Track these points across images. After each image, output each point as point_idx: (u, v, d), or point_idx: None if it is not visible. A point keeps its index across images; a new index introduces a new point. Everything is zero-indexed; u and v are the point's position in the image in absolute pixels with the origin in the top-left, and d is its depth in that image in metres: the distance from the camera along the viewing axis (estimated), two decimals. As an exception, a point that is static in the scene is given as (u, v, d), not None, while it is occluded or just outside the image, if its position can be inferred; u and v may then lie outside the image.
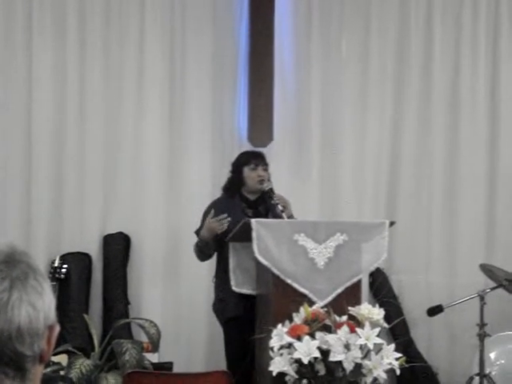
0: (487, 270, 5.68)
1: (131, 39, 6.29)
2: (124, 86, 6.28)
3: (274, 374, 4.17)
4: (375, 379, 4.25)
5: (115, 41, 6.28)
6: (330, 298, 4.57)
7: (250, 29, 6.30)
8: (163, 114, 6.30)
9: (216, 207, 5.15)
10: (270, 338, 4.24)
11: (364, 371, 4.22)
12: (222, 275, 5.00)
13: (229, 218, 4.92)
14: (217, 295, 5.22)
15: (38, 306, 1.34)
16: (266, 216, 5.10)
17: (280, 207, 5.00)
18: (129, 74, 6.28)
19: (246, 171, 5.22)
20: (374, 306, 4.50)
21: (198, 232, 5.21)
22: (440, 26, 6.55)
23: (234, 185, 5.27)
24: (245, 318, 4.91)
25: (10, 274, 1.34)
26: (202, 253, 5.17)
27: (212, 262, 5.60)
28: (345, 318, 4.32)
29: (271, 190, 5.13)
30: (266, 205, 5.15)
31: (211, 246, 5.08)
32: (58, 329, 1.39)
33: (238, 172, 5.26)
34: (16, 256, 1.37)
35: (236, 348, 5.05)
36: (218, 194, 5.93)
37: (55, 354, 4.95)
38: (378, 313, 4.38)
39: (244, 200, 5.24)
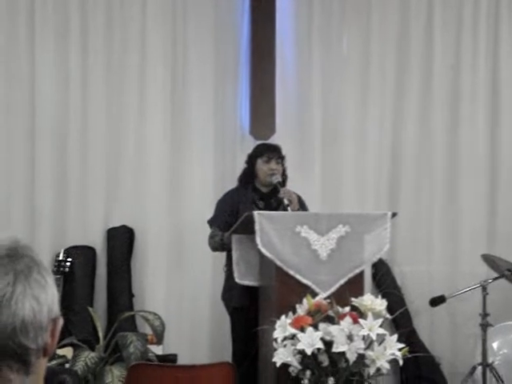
0: (489, 260, 5.70)
1: (133, 37, 6.30)
2: (126, 81, 6.30)
3: (278, 365, 4.19)
4: (378, 369, 4.27)
5: (117, 39, 6.29)
6: (332, 289, 4.58)
7: (251, 24, 6.33)
8: (165, 109, 6.31)
9: (228, 197, 5.30)
10: (274, 329, 4.26)
11: (367, 362, 4.24)
12: (231, 265, 5.03)
13: None
14: (225, 284, 5.29)
15: (42, 299, 1.35)
16: (276, 209, 5.13)
17: (286, 201, 5.03)
18: (131, 70, 6.30)
19: (259, 163, 5.30)
20: (376, 296, 4.51)
21: (211, 221, 5.28)
22: (441, 23, 6.58)
23: (248, 176, 5.36)
24: (251, 308, 4.94)
25: (13, 267, 1.34)
26: (223, 248, 5.16)
27: (215, 254, 5.64)
28: (348, 309, 4.34)
29: (279, 183, 5.18)
30: (277, 198, 5.19)
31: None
32: (61, 322, 1.40)
33: (251, 163, 5.36)
34: (19, 250, 1.37)
35: (241, 337, 5.10)
36: (221, 187, 5.98)
37: (60, 347, 4.97)
38: (380, 303, 4.40)
39: (257, 192, 5.29)
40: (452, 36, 6.59)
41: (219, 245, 5.17)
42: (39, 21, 6.19)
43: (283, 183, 5.32)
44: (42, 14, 6.19)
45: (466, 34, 6.59)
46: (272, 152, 5.31)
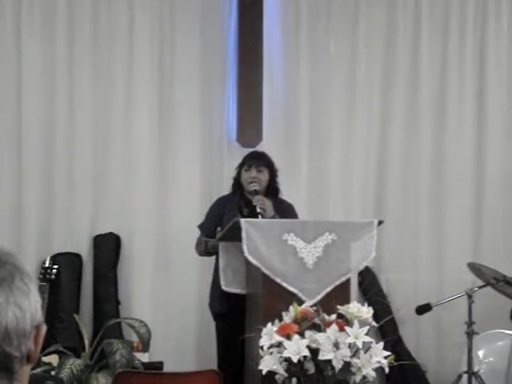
0: (475, 268, 5.70)
1: (120, 44, 6.30)
2: (113, 87, 6.30)
3: (264, 372, 4.18)
4: (364, 377, 4.26)
5: (104, 44, 6.30)
6: (319, 297, 4.58)
7: (238, 31, 6.33)
8: (152, 115, 6.32)
9: (218, 203, 5.40)
10: (260, 336, 4.26)
11: (353, 369, 4.24)
12: (216, 271, 5.04)
13: None
14: (210, 291, 5.35)
15: (25, 306, 1.34)
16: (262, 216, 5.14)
17: (258, 209, 5.04)
18: (118, 77, 6.31)
19: (242, 172, 5.35)
20: (362, 304, 4.50)
21: (199, 226, 5.35)
22: (427, 27, 6.59)
23: (235, 185, 5.41)
24: (233, 314, 4.96)
25: None
26: (209, 253, 5.19)
27: (202, 261, 5.65)
28: (334, 316, 4.34)
29: (255, 191, 5.19)
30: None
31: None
32: (44, 328, 1.40)
33: (237, 172, 5.42)
34: (2, 257, 1.37)
35: (224, 344, 5.11)
36: (208, 194, 6.02)
37: (46, 355, 4.95)
38: (366, 311, 4.40)
39: (244, 199, 5.32)
40: (439, 42, 6.60)
41: (204, 252, 5.22)
42: (25, 22, 6.16)
43: (275, 191, 5.33)
44: (28, 13, 6.16)
45: (453, 40, 6.59)
46: (251, 160, 5.36)
